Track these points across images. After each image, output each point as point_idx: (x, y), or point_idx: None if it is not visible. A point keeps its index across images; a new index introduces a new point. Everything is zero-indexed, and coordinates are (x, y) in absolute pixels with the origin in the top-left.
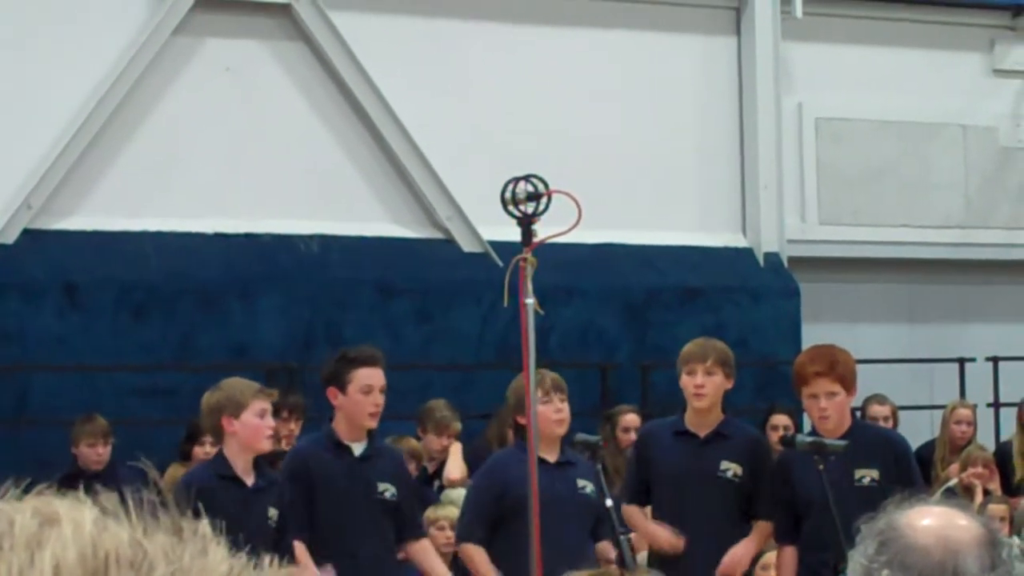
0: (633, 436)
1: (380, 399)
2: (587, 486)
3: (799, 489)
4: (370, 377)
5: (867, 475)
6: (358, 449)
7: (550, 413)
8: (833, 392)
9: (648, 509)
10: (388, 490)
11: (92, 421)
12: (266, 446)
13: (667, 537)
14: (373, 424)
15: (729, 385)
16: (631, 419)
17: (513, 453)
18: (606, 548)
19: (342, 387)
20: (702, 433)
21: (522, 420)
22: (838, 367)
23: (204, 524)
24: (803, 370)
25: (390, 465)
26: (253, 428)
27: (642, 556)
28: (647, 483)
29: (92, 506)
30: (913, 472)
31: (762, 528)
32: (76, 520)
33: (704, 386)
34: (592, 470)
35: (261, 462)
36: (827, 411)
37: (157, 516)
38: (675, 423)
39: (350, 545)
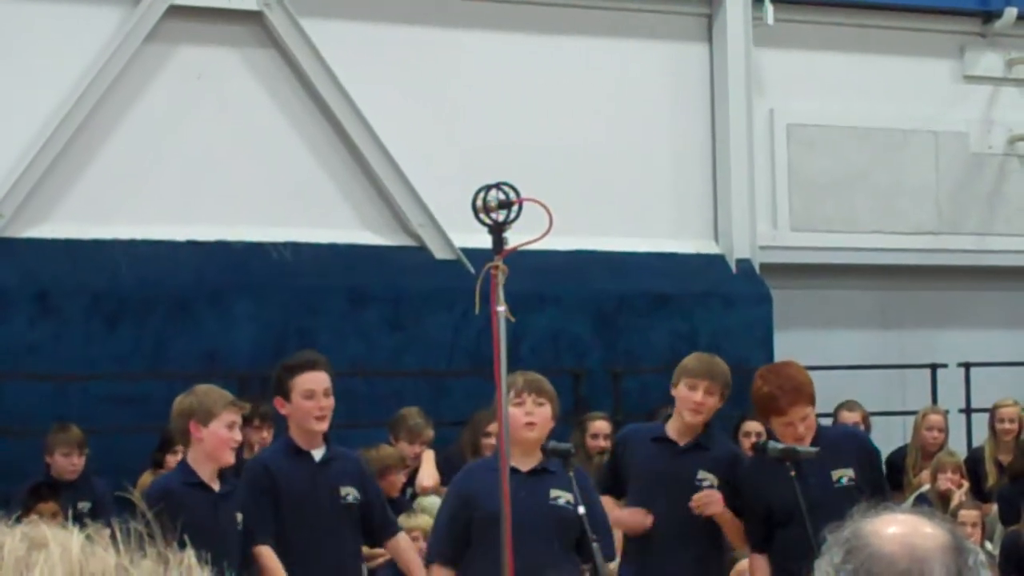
0: (602, 442)
1: (325, 402)
2: (561, 496)
3: (775, 498)
4: (311, 381)
5: (844, 475)
6: (318, 455)
7: (519, 415)
8: (807, 415)
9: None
10: (351, 493)
11: (67, 430)
12: (229, 459)
13: (633, 517)
14: (321, 427)
15: (720, 405)
16: (600, 426)
17: (484, 463)
18: None
19: (286, 396)
20: (682, 442)
21: (493, 428)
22: (805, 388)
23: (190, 554)
24: (775, 403)
25: (351, 468)
26: (219, 439)
27: (613, 565)
28: (622, 479)
29: (80, 533)
30: (878, 463)
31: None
32: (64, 544)
33: (704, 404)
34: (574, 478)
35: (225, 469)
36: (803, 434)
37: (144, 545)
38: (655, 429)
39: (314, 550)
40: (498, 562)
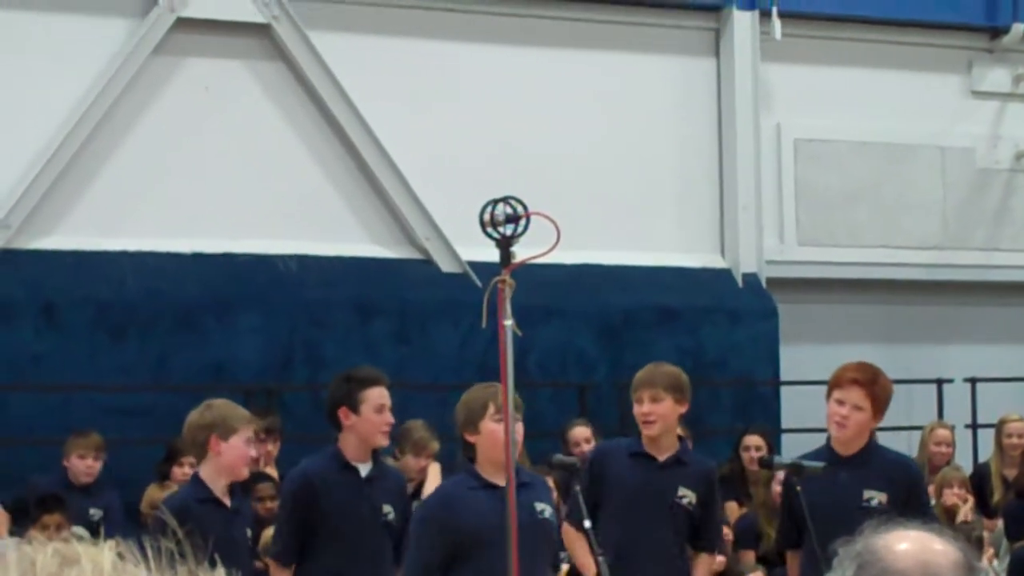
0: (584, 448)
1: (391, 418)
2: (545, 509)
3: (803, 500)
4: (383, 396)
5: (876, 497)
6: (364, 470)
7: (503, 433)
8: (860, 406)
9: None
10: (391, 512)
11: (86, 435)
12: (245, 473)
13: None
14: (385, 442)
15: (682, 410)
16: (579, 432)
17: (461, 480)
18: None
19: (354, 407)
20: (661, 457)
21: (471, 438)
22: (876, 387)
23: (220, 572)
24: (842, 374)
25: (393, 487)
26: (239, 454)
27: None
28: (596, 504)
29: (111, 550)
30: (923, 500)
31: (705, 561)
32: (95, 561)
33: (651, 414)
34: (547, 491)
35: (233, 485)
36: (847, 420)
37: (174, 563)
38: (631, 444)
39: (353, 567)
40: None
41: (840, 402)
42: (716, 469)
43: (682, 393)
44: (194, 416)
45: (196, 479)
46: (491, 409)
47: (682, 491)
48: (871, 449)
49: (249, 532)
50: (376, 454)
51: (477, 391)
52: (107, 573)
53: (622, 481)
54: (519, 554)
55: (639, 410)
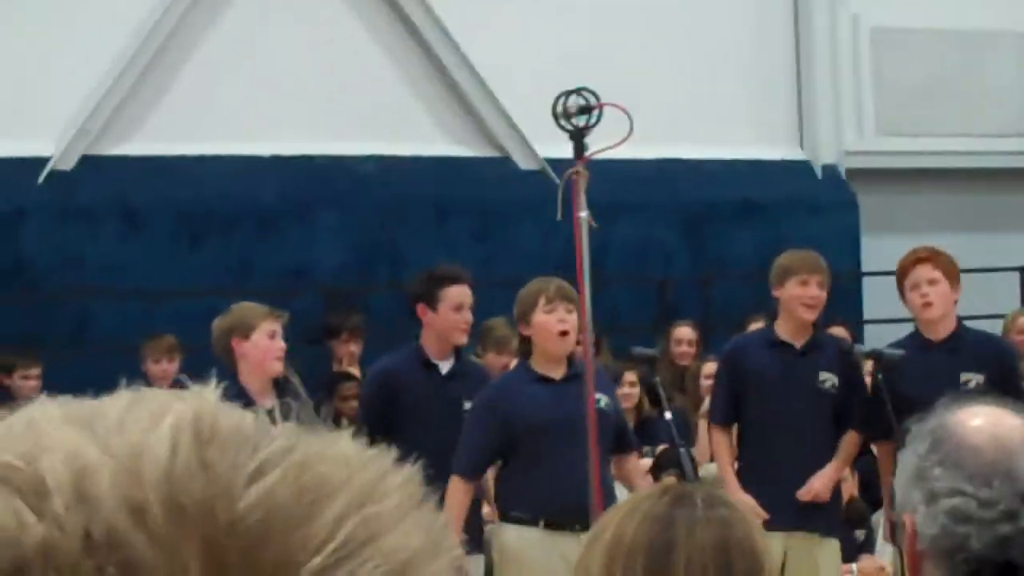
0: (685, 348)
1: (470, 316)
2: (601, 399)
3: (901, 390)
4: (462, 294)
5: (972, 379)
6: (445, 367)
7: (553, 323)
8: (934, 279)
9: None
10: None
11: (160, 338)
12: (276, 368)
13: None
14: (463, 340)
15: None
16: (683, 332)
17: (516, 374)
18: (631, 465)
19: (432, 305)
20: (798, 343)
21: (525, 331)
22: (940, 257)
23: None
24: (904, 262)
25: (475, 382)
26: (263, 349)
27: (707, 468)
28: (737, 399)
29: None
30: (1017, 377)
31: (850, 440)
32: (203, 395)
33: (819, 298)
34: (605, 381)
35: (284, 387)
36: (929, 296)
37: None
38: (766, 334)
39: (435, 462)
40: (549, 470)
41: (915, 285)
42: (855, 351)
43: (830, 287)
44: (215, 325)
45: (232, 384)
46: (542, 301)
47: (824, 375)
48: (961, 332)
49: None
50: (459, 351)
51: (531, 285)
52: (212, 403)
53: (762, 372)
54: (571, 444)
55: (806, 292)
